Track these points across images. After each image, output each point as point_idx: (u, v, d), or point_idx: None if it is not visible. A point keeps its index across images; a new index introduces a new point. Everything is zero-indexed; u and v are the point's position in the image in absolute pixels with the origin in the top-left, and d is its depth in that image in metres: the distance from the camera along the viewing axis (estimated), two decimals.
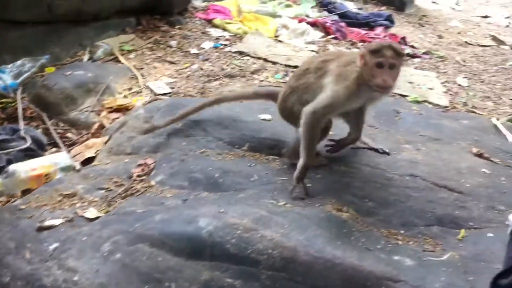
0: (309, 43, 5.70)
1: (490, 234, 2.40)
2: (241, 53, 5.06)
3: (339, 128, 2.95)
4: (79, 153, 3.36)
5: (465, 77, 5.62)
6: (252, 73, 4.66)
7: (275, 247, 2.14)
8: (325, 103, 2.52)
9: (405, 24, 7.41)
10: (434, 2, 10.31)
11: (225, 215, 2.31)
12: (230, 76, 4.52)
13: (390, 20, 7.00)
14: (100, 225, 2.40)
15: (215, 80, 4.43)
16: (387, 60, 2.38)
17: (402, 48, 2.58)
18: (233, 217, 2.29)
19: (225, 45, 5.25)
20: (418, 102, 4.49)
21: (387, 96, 2.63)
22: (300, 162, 2.55)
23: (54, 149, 3.43)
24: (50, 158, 3.19)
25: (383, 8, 7.86)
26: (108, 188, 2.82)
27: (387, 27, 6.77)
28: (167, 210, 2.46)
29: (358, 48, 5.90)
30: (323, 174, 2.73)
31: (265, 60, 5.00)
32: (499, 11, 10.51)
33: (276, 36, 5.74)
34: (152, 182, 2.83)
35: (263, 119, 3.27)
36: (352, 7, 7.21)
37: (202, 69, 4.63)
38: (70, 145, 3.52)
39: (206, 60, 4.84)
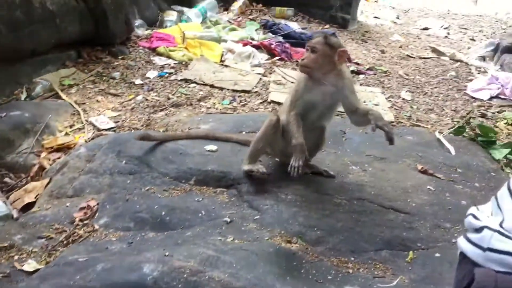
0: (255, 66, 5.70)
1: (437, 255, 2.42)
2: (187, 80, 5.00)
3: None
4: (18, 199, 3.19)
5: (409, 91, 5.76)
6: (199, 100, 4.60)
7: None
8: (289, 99, 2.88)
9: (348, 41, 7.57)
10: (376, 17, 10.64)
11: (171, 258, 2.23)
12: (177, 105, 4.44)
13: None
14: (39, 280, 2.27)
15: (161, 110, 4.34)
16: (310, 44, 2.76)
17: (336, 41, 2.86)
18: (179, 259, 2.22)
19: (171, 73, 5.17)
20: None
21: (337, 93, 2.82)
22: (292, 143, 2.76)
23: None
24: None
25: (327, 26, 8.00)
26: (48, 236, 2.69)
27: None
28: (111, 256, 2.36)
29: None
30: (271, 205, 2.71)
31: (212, 86, 4.95)
32: (437, 22, 10.95)
33: (222, 61, 5.72)
34: (96, 226, 2.72)
35: (209, 151, 3.22)
36: (296, 27, 7.30)
37: (147, 99, 4.53)
38: (9, 190, 3.34)
39: (151, 90, 4.75)
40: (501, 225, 1.34)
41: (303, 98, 2.79)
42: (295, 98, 2.82)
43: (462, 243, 1.41)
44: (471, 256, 1.37)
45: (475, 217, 1.43)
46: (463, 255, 1.41)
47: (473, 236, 1.39)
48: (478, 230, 1.38)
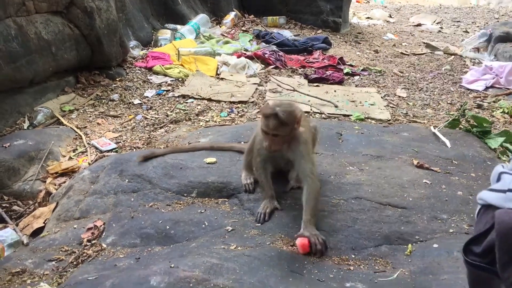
0: (250, 76, 5.81)
1: (435, 245, 2.47)
2: (184, 96, 5.11)
3: None
4: (27, 225, 3.28)
5: (404, 88, 5.83)
6: (197, 115, 4.69)
7: None
8: (254, 146, 2.89)
9: (342, 44, 7.66)
10: (368, 18, 10.73)
11: (177, 270, 2.29)
12: (176, 122, 4.53)
13: (327, 42, 7.23)
14: None
15: (161, 127, 4.43)
16: (270, 131, 2.56)
17: (291, 113, 2.57)
18: (184, 270, 2.28)
19: (168, 90, 5.28)
20: (361, 119, 4.62)
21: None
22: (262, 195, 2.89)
23: (1, 225, 3.33)
24: None
25: (319, 31, 8.11)
26: (58, 258, 2.76)
27: (324, 50, 6.98)
28: (119, 273, 2.43)
29: (299, 74, 6.05)
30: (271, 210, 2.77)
31: (209, 100, 5.06)
32: (430, 18, 11.02)
33: (218, 74, 5.83)
34: (104, 245, 2.79)
35: (208, 163, 3.29)
36: (289, 35, 7.40)
37: (146, 118, 4.63)
38: (18, 217, 3.43)
39: (150, 108, 4.85)
40: None
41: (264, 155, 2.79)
42: (257, 153, 2.83)
43: (485, 194, 1.50)
44: (493, 202, 1.46)
45: (502, 165, 1.54)
46: (483, 210, 1.50)
47: (494, 186, 1.49)
48: (498, 178, 1.50)
